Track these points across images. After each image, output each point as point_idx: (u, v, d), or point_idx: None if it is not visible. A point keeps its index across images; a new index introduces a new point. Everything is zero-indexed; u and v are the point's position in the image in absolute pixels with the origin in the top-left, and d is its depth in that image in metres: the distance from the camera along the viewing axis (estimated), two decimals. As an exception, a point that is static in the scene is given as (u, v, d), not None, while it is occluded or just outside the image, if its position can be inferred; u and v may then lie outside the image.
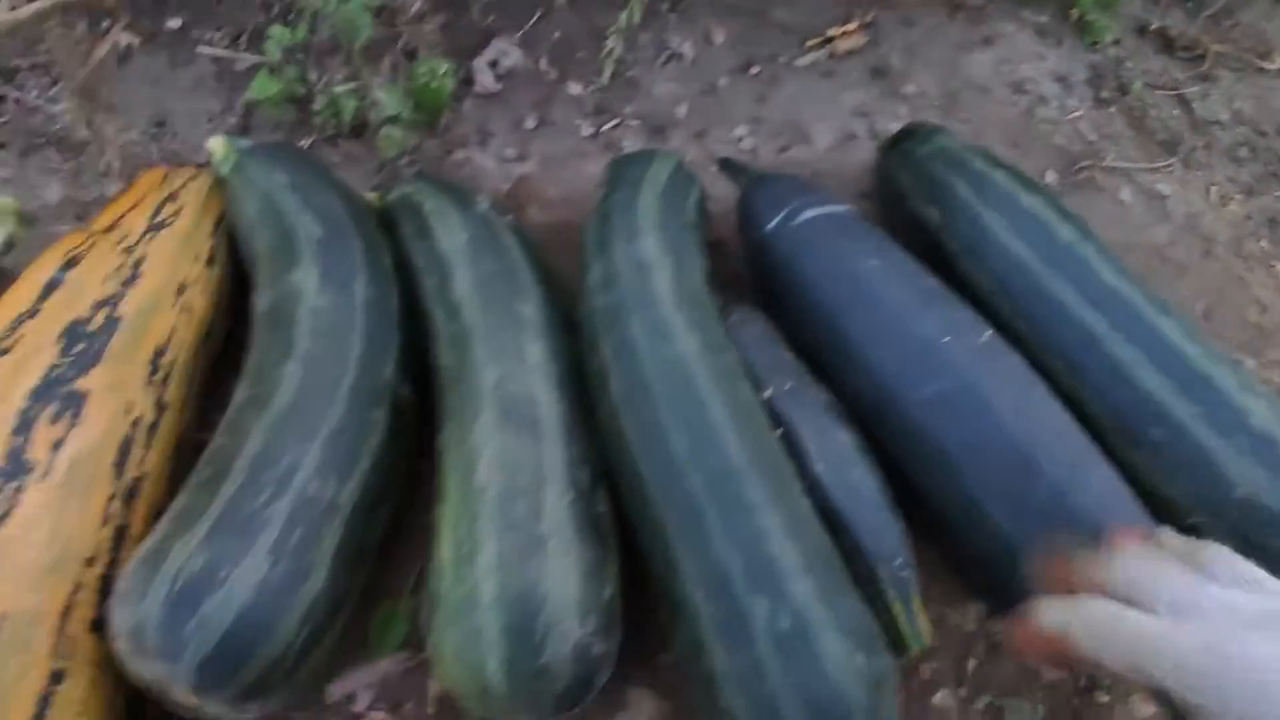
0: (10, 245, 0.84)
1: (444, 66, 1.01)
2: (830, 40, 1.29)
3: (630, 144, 1.15)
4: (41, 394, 0.60)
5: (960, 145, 0.95)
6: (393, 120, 1.03)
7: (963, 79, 1.29)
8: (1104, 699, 0.75)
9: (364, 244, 0.80)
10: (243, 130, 1.09)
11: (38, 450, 0.58)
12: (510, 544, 0.60)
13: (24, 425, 0.58)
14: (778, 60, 1.27)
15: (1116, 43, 1.36)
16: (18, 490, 0.56)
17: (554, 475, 0.64)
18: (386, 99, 0.96)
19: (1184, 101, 1.30)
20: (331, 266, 0.75)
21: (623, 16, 1.14)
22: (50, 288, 0.67)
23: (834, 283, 0.77)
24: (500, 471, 0.63)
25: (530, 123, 1.15)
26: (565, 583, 0.59)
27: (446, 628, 0.58)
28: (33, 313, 0.65)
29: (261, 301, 0.75)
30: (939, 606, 0.77)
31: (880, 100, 1.26)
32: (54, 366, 0.62)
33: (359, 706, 0.67)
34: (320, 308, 0.71)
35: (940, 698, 0.74)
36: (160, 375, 0.68)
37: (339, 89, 1.03)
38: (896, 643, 0.67)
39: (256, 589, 0.54)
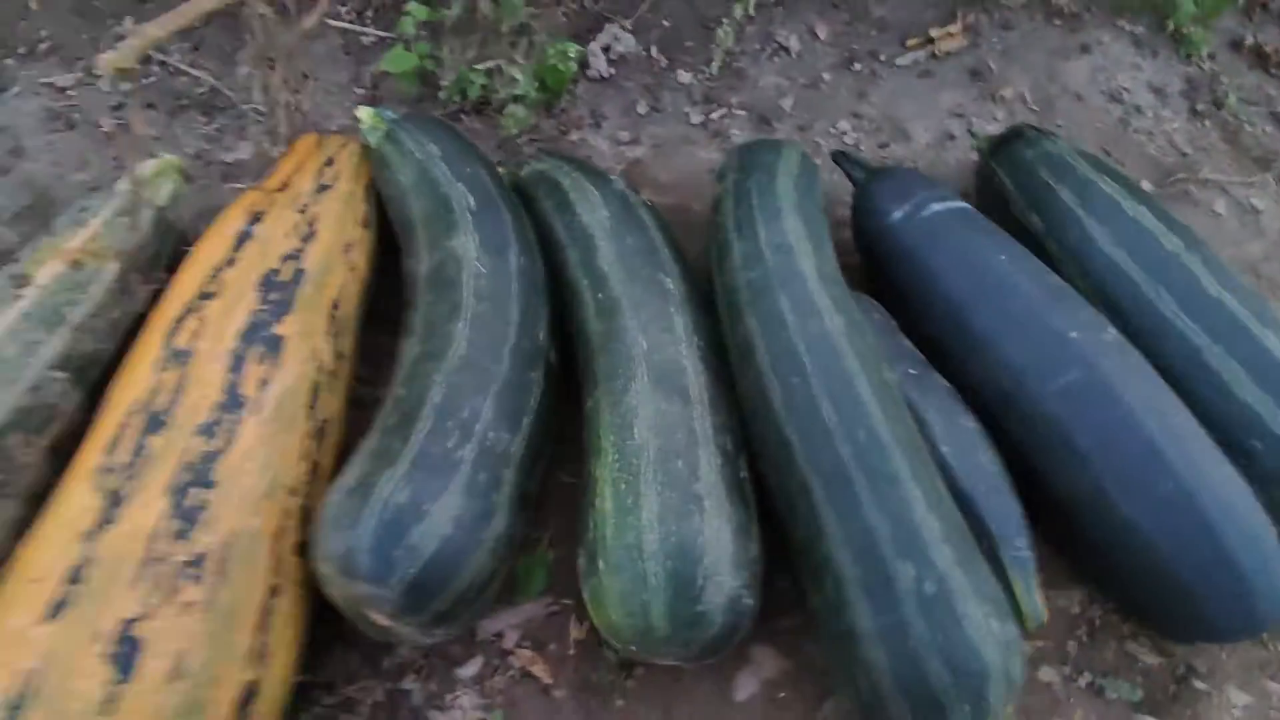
0: (175, 199, 0.89)
1: (573, 48, 1.05)
2: (931, 40, 1.32)
3: (738, 133, 1.18)
4: (249, 335, 0.65)
5: (1066, 150, 0.97)
6: (518, 99, 1.07)
7: (1059, 85, 1.32)
8: (1200, 685, 0.78)
9: (512, 215, 0.84)
10: (370, 102, 1.14)
11: (249, 387, 0.63)
12: (671, 499, 0.64)
13: (237, 363, 0.64)
14: (879, 57, 1.30)
15: (1211, 56, 1.37)
16: (236, 423, 0.61)
17: (704, 439, 0.69)
18: (520, 77, 1.00)
19: (1277, 118, 1.32)
20: (487, 235, 0.80)
21: (737, 8, 1.18)
22: (242, 240, 0.72)
23: (962, 275, 0.80)
24: (656, 432, 0.68)
25: (641, 108, 1.19)
26: (720, 538, 0.64)
27: (610, 573, 0.63)
28: (230, 261, 0.70)
29: (421, 265, 0.79)
30: (1045, 589, 0.80)
31: (977, 102, 1.29)
32: (257, 311, 0.67)
33: (508, 644, 0.72)
34: (481, 273, 0.76)
35: (1044, 674, 0.78)
36: (336, 327, 0.73)
37: (470, 67, 1.07)
38: (1015, 619, 0.71)
39: (454, 523, 0.59)
